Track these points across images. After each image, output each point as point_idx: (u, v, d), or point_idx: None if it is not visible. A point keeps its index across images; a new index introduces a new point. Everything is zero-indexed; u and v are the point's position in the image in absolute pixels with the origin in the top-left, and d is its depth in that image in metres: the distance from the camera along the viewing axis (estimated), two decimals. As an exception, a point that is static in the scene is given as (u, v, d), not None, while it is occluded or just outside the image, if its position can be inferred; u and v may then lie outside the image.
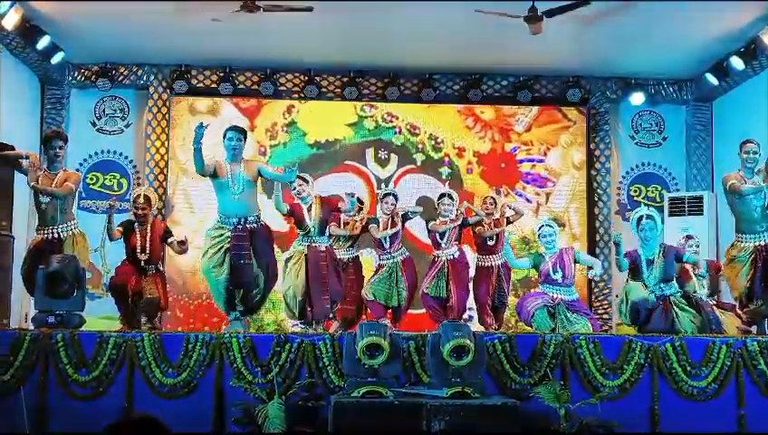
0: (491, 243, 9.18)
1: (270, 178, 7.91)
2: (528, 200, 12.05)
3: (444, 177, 12.03)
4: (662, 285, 7.70)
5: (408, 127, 12.27)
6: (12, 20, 9.50)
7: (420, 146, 12.26)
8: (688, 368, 6.75)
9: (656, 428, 6.66)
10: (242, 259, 7.49)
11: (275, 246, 8.19)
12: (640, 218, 7.90)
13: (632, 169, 12.29)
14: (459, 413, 5.80)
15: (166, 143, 11.63)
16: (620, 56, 11.28)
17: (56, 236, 7.73)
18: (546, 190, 12.24)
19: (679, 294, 7.74)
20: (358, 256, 9.36)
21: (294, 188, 8.25)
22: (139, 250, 8.19)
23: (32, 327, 7.33)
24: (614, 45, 10.81)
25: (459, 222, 8.99)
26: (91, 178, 11.67)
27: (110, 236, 8.28)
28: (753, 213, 7.79)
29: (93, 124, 11.78)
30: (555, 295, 8.26)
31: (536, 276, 9.01)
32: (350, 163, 12.08)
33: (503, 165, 12.29)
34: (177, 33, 10.62)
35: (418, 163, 12.23)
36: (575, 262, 8.47)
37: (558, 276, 8.26)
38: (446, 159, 12.26)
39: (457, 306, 8.95)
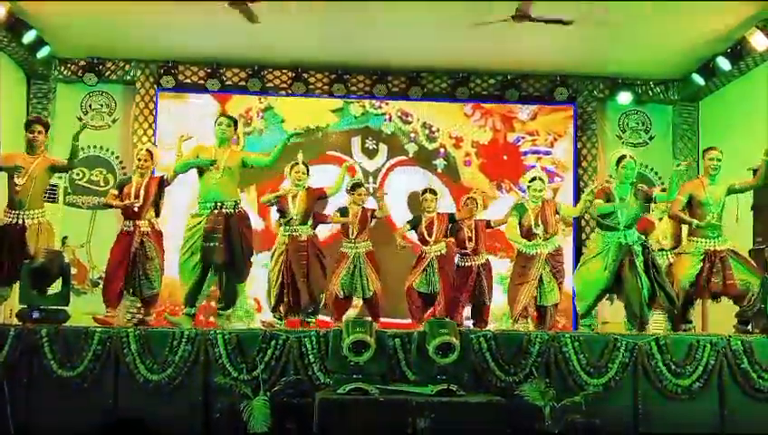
0: (470, 245, 9.09)
1: (257, 165, 7.83)
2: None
3: (439, 170, 11.43)
4: (626, 231, 7.68)
5: (400, 114, 11.63)
6: (-3, 14, 9.46)
7: (413, 135, 11.64)
8: (672, 367, 6.79)
9: (640, 426, 6.69)
10: (212, 241, 7.47)
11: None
12: (623, 157, 7.84)
13: (619, 169, 12.24)
14: (444, 411, 5.80)
15: (152, 139, 11.55)
16: (608, 56, 11.29)
17: (20, 222, 7.61)
18: (553, 186, 11.45)
19: (640, 243, 7.69)
20: None
21: (297, 173, 8.32)
22: (133, 196, 7.87)
23: (16, 322, 7.29)
24: (601, 45, 10.82)
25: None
26: (78, 174, 11.52)
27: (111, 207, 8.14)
28: (708, 218, 7.87)
29: (80, 119, 11.67)
30: (537, 251, 8.27)
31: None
32: (333, 154, 11.32)
33: (504, 157, 11.66)
34: (165, 29, 10.58)
35: (410, 154, 11.60)
36: (556, 213, 8.47)
37: (540, 230, 8.29)
38: (442, 150, 11.61)
39: (445, 302, 8.96)
